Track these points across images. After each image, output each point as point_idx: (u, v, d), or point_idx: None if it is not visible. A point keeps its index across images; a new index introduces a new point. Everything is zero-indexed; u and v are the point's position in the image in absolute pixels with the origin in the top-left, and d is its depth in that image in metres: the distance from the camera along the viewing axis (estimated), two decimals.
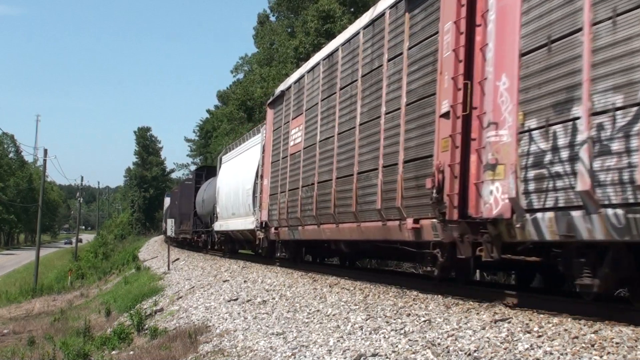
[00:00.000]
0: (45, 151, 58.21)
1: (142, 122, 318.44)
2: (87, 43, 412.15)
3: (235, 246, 30.15)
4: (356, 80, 13.55)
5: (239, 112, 47.86)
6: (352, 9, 37.40)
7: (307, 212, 16.13)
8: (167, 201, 66.02)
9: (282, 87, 19.73)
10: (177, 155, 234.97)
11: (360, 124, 13.16)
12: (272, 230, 19.36)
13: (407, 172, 11.02)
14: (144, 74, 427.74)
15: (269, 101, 21.17)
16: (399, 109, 11.45)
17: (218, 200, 30.03)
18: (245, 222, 24.50)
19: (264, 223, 20.38)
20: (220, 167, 32.86)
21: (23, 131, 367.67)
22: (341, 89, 14.42)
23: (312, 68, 16.70)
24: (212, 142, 68.04)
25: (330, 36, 36.17)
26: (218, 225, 30.08)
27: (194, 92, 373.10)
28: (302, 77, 17.59)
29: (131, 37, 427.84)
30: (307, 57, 37.80)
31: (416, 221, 10.64)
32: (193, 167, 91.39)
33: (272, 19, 56.81)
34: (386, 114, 11.97)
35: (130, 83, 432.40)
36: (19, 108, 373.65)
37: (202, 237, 36.65)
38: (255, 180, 23.54)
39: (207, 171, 40.48)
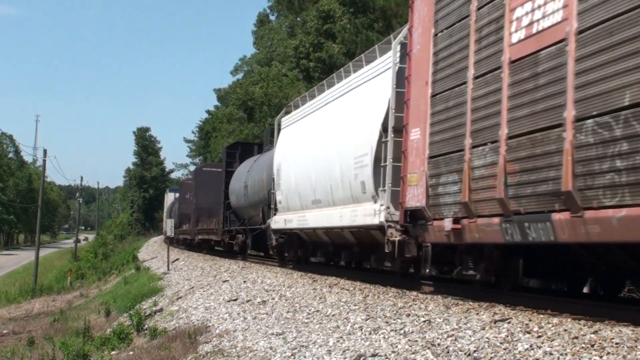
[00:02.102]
0: (45, 151, 58.44)
1: (141, 123, 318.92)
2: (86, 43, 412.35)
3: (308, 253, 19.59)
4: None
5: (239, 112, 47.92)
6: (351, 9, 37.39)
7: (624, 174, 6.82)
8: (169, 197, 59.83)
9: None
10: (176, 156, 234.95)
11: None
12: (442, 224, 10.20)
13: None
14: (143, 74, 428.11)
15: None
16: None
17: (279, 184, 20.04)
18: (354, 214, 14.30)
19: (408, 213, 11.50)
20: (278, 135, 21.92)
21: (23, 131, 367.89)
22: None
23: None
24: (212, 143, 68.07)
25: (330, 36, 36.26)
26: (281, 222, 19.69)
27: (193, 92, 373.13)
28: None
29: (131, 37, 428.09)
30: (307, 57, 37.94)
31: None
32: (193, 168, 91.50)
33: (272, 18, 56.97)
34: None
35: (130, 83, 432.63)
36: (19, 108, 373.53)
37: (239, 238, 26.85)
38: (379, 138, 13.13)
39: (243, 149, 30.14)
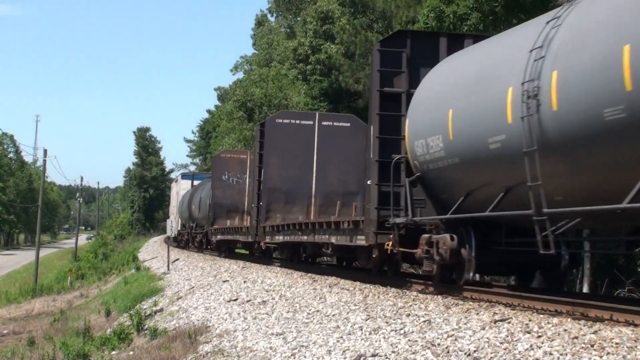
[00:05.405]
0: (45, 151, 58.37)
1: (141, 122, 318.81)
2: (87, 43, 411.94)
3: None
4: None
5: (239, 111, 47.92)
6: (351, 9, 37.41)
7: None
8: (181, 186, 46.47)
9: None
10: (177, 156, 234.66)
11: None
12: None
13: None
14: (143, 74, 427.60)
15: None
16: None
17: None
18: None
19: None
20: None
21: (23, 131, 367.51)
22: None
23: None
24: (212, 143, 68.06)
25: (329, 37, 36.25)
26: None
27: (194, 91, 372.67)
28: None
29: (131, 37, 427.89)
30: (307, 58, 37.94)
31: None
32: (192, 167, 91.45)
33: (271, 18, 57.05)
34: None
35: (130, 83, 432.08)
36: (19, 108, 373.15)
37: (444, 243, 10.77)
38: None
39: (417, 46, 12.70)
